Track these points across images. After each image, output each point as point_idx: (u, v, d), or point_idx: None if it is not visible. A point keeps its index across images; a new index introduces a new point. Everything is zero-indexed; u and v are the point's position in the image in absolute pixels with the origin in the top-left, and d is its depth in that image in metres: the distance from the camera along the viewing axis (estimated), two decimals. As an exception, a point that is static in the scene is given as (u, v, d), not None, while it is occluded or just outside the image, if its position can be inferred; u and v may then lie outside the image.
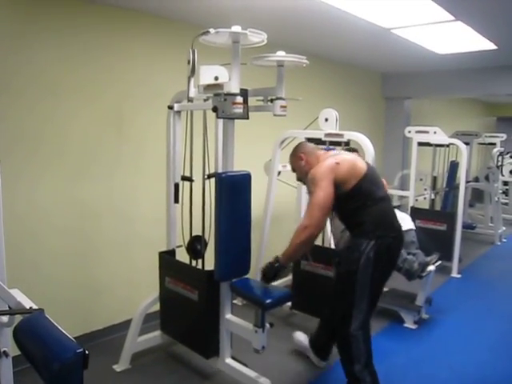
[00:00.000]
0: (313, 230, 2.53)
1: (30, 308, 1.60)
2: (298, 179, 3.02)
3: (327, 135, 3.68)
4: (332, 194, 2.55)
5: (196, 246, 3.18)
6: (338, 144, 3.75)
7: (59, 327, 1.44)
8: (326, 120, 3.74)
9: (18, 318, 1.56)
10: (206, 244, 3.11)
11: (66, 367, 1.28)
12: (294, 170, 2.97)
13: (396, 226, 2.73)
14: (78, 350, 1.30)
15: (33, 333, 1.46)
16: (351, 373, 2.66)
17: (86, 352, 1.31)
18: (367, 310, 2.65)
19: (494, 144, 8.60)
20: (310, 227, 2.52)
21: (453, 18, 3.50)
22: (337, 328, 2.77)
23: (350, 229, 2.77)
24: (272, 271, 2.66)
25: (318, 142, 3.77)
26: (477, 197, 7.86)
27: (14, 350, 1.66)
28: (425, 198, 6.27)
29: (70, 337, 1.39)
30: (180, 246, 3.23)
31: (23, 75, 3.04)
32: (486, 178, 7.17)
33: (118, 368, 3.17)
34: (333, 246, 3.99)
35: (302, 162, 2.84)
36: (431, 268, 3.92)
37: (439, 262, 4.11)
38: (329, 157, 2.73)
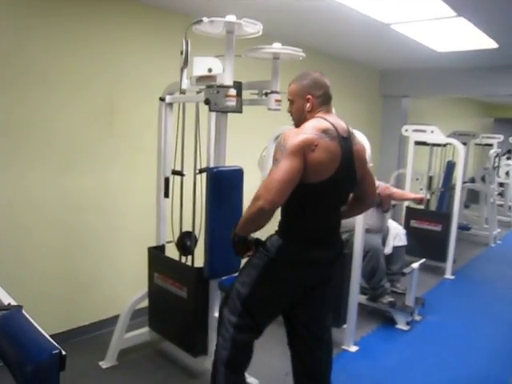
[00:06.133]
0: (264, 205, 1.99)
1: (8, 304, 1.52)
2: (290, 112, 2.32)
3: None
4: None
5: (186, 242, 3.12)
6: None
7: (36, 326, 1.37)
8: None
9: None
10: (196, 240, 3.06)
11: (40, 369, 1.21)
12: (291, 102, 2.31)
13: None
14: (54, 352, 1.22)
15: (8, 331, 1.38)
16: None
17: (63, 353, 1.23)
18: None
19: (491, 145, 8.59)
20: (262, 200, 2.00)
21: (455, 13, 3.45)
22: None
23: None
24: (234, 243, 2.20)
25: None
26: (472, 198, 7.82)
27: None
28: (420, 198, 6.24)
29: (47, 336, 1.31)
30: (170, 242, 3.17)
31: (13, 65, 2.96)
32: (482, 179, 7.16)
33: (104, 364, 3.11)
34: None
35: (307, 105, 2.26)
36: (389, 299, 3.89)
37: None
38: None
